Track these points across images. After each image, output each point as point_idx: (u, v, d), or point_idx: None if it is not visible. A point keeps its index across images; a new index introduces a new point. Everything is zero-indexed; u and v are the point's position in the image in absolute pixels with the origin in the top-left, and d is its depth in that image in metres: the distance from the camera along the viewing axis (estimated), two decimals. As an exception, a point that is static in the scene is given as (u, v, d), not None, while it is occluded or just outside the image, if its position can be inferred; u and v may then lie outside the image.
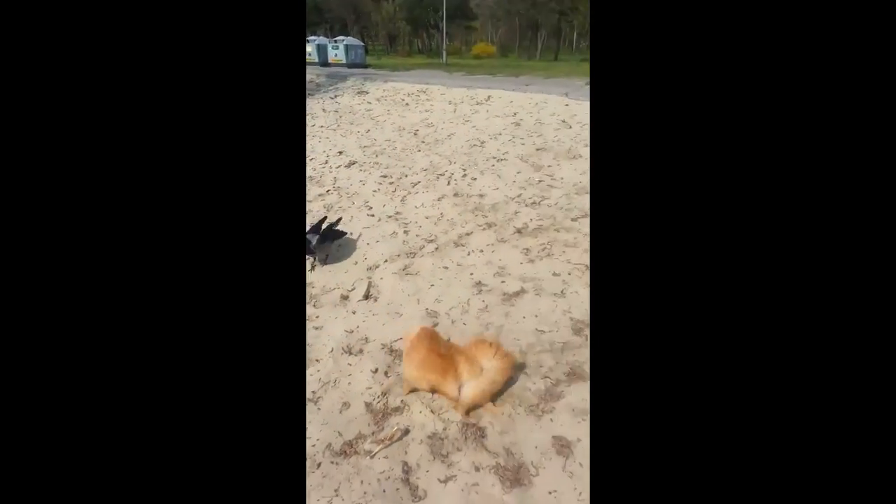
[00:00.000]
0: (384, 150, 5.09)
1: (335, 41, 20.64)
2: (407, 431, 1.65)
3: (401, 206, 3.59)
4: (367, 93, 7.87)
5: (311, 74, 12.36)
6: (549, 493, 1.39)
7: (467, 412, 1.67)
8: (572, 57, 32.39)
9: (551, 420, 1.63)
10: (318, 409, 1.77)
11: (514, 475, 1.45)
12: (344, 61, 19.37)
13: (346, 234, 3.06)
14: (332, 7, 41.69)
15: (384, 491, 1.43)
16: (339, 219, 3.14)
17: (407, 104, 7.10)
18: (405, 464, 1.52)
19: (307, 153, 5.04)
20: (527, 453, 1.51)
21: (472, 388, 1.63)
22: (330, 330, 2.22)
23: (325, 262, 2.88)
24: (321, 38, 23.83)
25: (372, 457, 1.56)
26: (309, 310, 2.41)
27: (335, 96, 7.83)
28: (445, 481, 1.45)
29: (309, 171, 4.49)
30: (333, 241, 2.95)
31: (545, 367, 1.89)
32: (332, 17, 42.69)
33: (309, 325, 2.27)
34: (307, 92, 8.18)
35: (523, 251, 2.80)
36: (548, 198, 3.56)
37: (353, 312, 2.35)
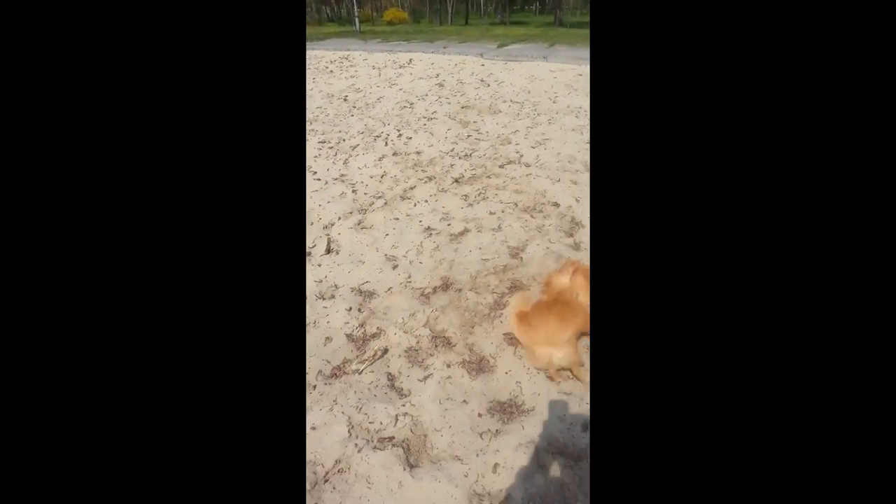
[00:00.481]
0: (317, 118, 5.11)
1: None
2: (386, 350, 1.94)
3: (344, 169, 3.74)
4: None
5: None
6: (506, 373, 1.76)
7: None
8: (482, 21, 32.23)
9: (501, 322, 1.99)
10: (305, 346, 2.01)
11: (478, 366, 1.80)
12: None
13: None
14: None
15: (375, 396, 1.73)
16: None
17: (331, 71, 6.98)
18: (389, 374, 1.82)
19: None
20: (486, 349, 1.87)
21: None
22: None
23: None
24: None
25: (360, 373, 1.84)
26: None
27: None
28: (424, 380, 1.77)
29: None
30: None
31: (492, 285, 2.24)
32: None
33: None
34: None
35: (462, 197, 3.11)
36: (477, 150, 3.87)
37: (319, 265, 2.55)
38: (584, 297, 1.74)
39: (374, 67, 6.95)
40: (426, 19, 36.96)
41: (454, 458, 1.48)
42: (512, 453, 1.46)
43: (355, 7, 23.60)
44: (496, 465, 1.44)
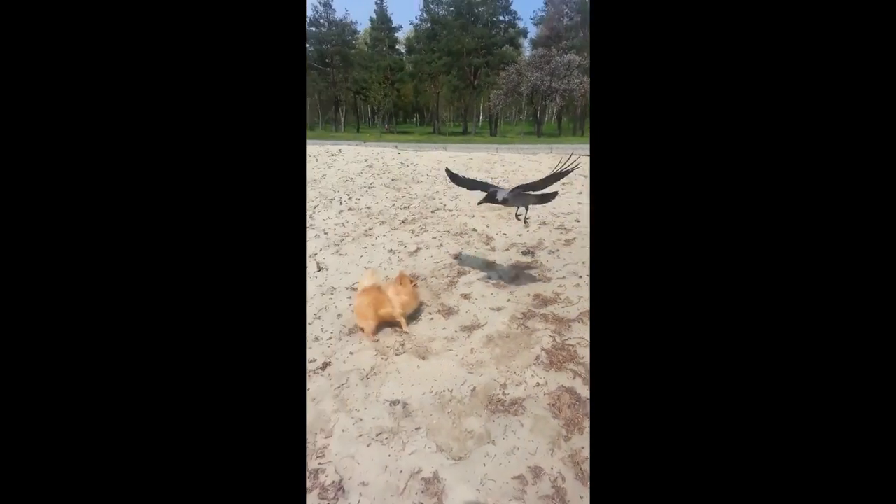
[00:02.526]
0: (274, 190, 5.81)
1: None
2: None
3: (311, 221, 4.48)
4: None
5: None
6: (466, 312, 2.63)
7: (403, 318, 2.45)
8: (372, 130, 35.20)
9: (453, 291, 2.89)
10: (321, 322, 2.68)
11: (449, 310, 2.65)
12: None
13: (554, 195, 2.59)
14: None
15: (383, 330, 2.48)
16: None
17: (272, 158, 7.75)
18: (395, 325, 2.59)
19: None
20: (450, 302, 2.73)
21: (399, 303, 2.40)
22: (307, 290, 3.08)
23: (523, 219, 2.70)
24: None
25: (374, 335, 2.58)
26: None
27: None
28: (417, 321, 2.57)
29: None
30: (529, 192, 2.42)
31: (442, 279, 3.14)
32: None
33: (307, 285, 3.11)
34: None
35: (409, 231, 4.03)
36: (412, 204, 4.89)
37: (315, 277, 3.24)
38: (393, 294, 2.41)
39: (310, 155, 7.86)
40: (320, 128, 38.82)
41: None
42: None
43: None
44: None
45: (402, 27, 40.71)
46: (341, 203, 5.04)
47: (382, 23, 38.50)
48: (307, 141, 10.00)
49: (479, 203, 2.61)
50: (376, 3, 38.39)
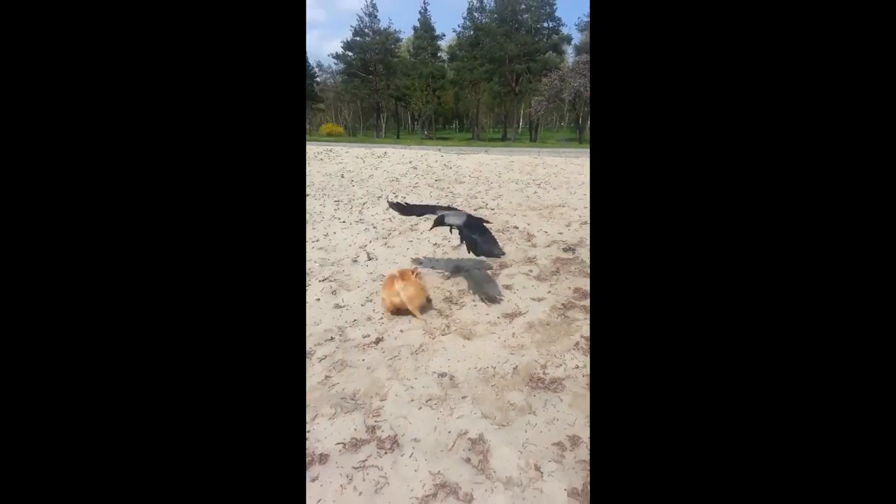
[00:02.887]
0: (324, 187, 6.15)
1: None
2: (429, 300, 2.87)
3: (360, 216, 4.74)
4: (282, 152, 8.77)
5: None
6: (512, 293, 2.76)
7: (398, 309, 2.58)
8: (411, 136, 35.79)
9: (492, 285, 3.03)
10: (373, 304, 2.88)
11: (491, 299, 2.79)
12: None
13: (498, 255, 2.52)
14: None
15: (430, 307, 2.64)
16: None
17: (321, 159, 8.16)
18: (437, 304, 2.75)
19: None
20: (494, 293, 2.87)
21: (406, 296, 2.53)
22: (358, 276, 3.31)
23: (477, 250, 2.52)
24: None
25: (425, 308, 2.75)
26: (336, 269, 3.47)
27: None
28: (461, 307, 2.72)
29: (277, 203, 5.38)
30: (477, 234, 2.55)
31: (488, 268, 3.28)
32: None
33: (358, 273, 3.34)
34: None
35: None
36: (455, 202, 5.06)
37: (367, 265, 3.47)
38: (400, 288, 2.55)
39: (357, 157, 8.23)
40: (361, 134, 39.73)
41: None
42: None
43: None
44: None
45: (444, 35, 41.34)
46: (387, 201, 5.30)
47: (425, 31, 39.28)
48: (352, 144, 10.41)
49: (430, 229, 2.92)
50: (420, 13, 39.27)
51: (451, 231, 2.71)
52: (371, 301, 2.87)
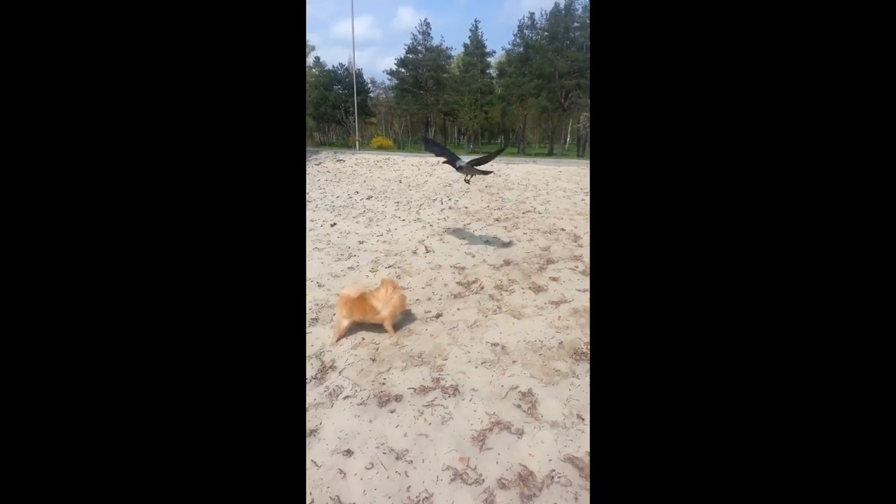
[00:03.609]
0: (385, 190, 6.64)
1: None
2: (483, 286, 3.16)
3: (417, 216, 5.13)
4: (344, 161, 9.44)
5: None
6: (555, 287, 3.00)
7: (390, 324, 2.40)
8: (457, 149, 36.38)
9: (542, 274, 3.27)
10: (432, 287, 3.21)
11: (538, 287, 3.04)
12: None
13: (490, 172, 4.33)
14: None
15: (484, 303, 2.93)
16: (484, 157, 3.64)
17: (381, 167, 8.75)
18: (489, 293, 3.04)
19: (334, 194, 6.43)
20: (540, 282, 3.11)
21: (386, 310, 2.34)
22: (417, 265, 3.67)
23: (468, 181, 3.99)
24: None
25: (477, 289, 3.05)
26: (399, 258, 3.85)
27: (320, 163, 9.28)
28: (511, 292, 2.99)
29: (342, 202, 5.90)
30: (476, 166, 3.58)
31: (533, 265, 3.53)
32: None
33: (418, 262, 3.72)
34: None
35: (503, 227, 4.48)
36: (504, 206, 5.35)
37: (424, 256, 3.82)
38: (377, 303, 2.33)
39: (412, 165, 8.74)
40: (408, 147, 40.84)
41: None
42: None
43: (356, 132, 26.89)
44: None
45: (494, 52, 42.01)
46: (442, 203, 5.67)
47: (476, 48, 40.13)
48: (407, 154, 10.98)
49: (442, 162, 3.80)
50: (471, 30, 40.23)
51: (457, 169, 3.69)
52: (430, 285, 3.21)
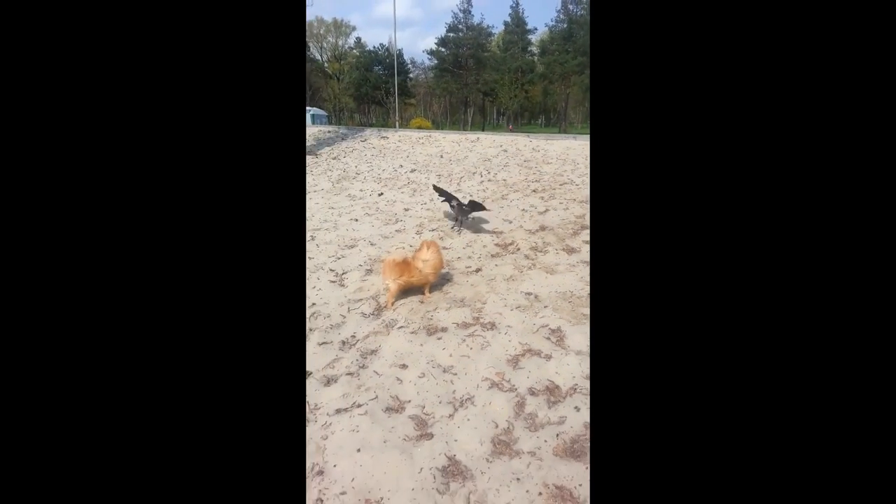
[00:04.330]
0: (428, 164, 6.92)
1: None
2: (518, 247, 3.40)
3: (458, 187, 5.38)
4: (388, 138, 9.78)
5: (328, 130, 13.94)
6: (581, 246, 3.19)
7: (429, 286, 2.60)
8: (497, 129, 35.79)
9: (575, 237, 3.46)
10: (471, 248, 3.47)
11: (570, 248, 3.24)
12: (311, 127, 20.43)
13: (487, 210, 3.87)
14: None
15: (525, 263, 3.17)
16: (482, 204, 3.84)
17: (423, 143, 9.00)
18: (523, 252, 3.27)
19: (381, 167, 6.80)
20: (572, 244, 3.31)
21: (428, 268, 2.50)
22: (451, 243, 3.95)
23: (460, 225, 3.78)
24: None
25: (519, 249, 3.29)
26: (441, 223, 4.13)
27: (365, 140, 9.68)
28: (545, 252, 3.21)
29: (388, 174, 6.25)
30: (473, 212, 3.78)
31: (567, 230, 3.72)
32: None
33: (448, 230, 4.00)
34: (338, 137, 9.94)
35: (540, 198, 4.65)
36: (542, 179, 5.49)
37: (460, 229, 4.09)
38: (420, 263, 2.51)
39: (453, 142, 8.93)
40: (447, 127, 40.52)
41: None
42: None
43: (397, 112, 27.09)
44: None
45: (536, 29, 40.69)
46: (481, 176, 5.88)
47: (517, 26, 39.03)
48: (448, 132, 11.14)
49: (441, 201, 4.17)
50: (511, 7, 39.09)
51: (451, 206, 3.88)
52: (470, 246, 3.48)
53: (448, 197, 3.95)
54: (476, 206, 3.73)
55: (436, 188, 4.34)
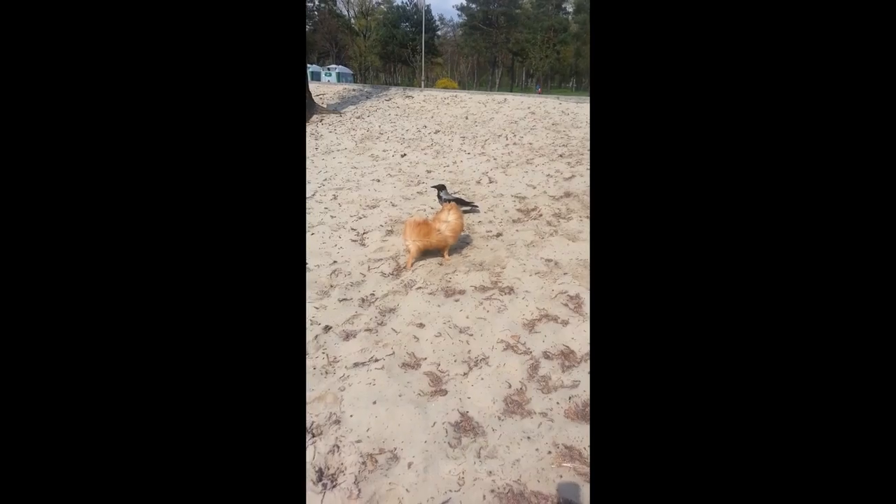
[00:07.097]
0: (452, 126, 6.73)
1: (328, 68, 20.65)
2: (541, 213, 3.30)
3: (482, 150, 5.23)
4: (413, 97, 9.50)
5: (353, 89, 13.65)
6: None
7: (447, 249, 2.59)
8: (526, 92, 34.26)
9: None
10: (493, 213, 3.40)
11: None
12: (336, 85, 20.07)
13: (477, 209, 3.43)
14: (316, 39, 41.92)
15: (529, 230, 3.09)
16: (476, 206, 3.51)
17: (448, 103, 8.73)
18: (546, 219, 3.18)
19: (404, 128, 6.65)
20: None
21: (448, 229, 2.50)
22: (482, 192, 3.85)
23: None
24: (313, 65, 24.33)
25: (538, 215, 3.21)
26: (463, 186, 4.05)
27: (389, 99, 9.45)
28: (568, 218, 3.12)
29: (411, 135, 6.13)
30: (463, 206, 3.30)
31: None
32: (315, 48, 41.88)
33: (481, 190, 3.92)
34: (363, 96, 9.72)
35: (566, 163, 4.49)
36: (569, 144, 5.27)
37: (487, 186, 3.99)
38: (440, 224, 2.50)
39: (479, 102, 8.61)
40: (474, 88, 39.17)
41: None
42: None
43: (423, 72, 26.24)
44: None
45: (574, -18, 37.93)
46: (507, 139, 5.69)
47: (554, -21, 36.46)
48: (474, 92, 10.70)
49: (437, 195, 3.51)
50: (550, -42, 36.31)
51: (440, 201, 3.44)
52: (492, 211, 3.41)
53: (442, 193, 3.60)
54: (463, 203, 3.41)
55: (437, 188, 3.89)
